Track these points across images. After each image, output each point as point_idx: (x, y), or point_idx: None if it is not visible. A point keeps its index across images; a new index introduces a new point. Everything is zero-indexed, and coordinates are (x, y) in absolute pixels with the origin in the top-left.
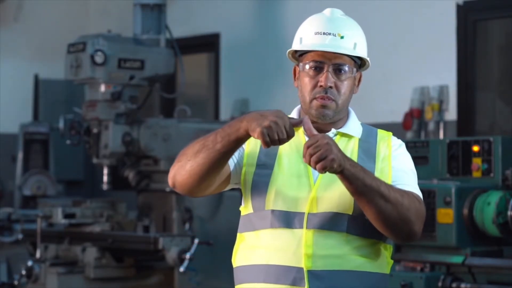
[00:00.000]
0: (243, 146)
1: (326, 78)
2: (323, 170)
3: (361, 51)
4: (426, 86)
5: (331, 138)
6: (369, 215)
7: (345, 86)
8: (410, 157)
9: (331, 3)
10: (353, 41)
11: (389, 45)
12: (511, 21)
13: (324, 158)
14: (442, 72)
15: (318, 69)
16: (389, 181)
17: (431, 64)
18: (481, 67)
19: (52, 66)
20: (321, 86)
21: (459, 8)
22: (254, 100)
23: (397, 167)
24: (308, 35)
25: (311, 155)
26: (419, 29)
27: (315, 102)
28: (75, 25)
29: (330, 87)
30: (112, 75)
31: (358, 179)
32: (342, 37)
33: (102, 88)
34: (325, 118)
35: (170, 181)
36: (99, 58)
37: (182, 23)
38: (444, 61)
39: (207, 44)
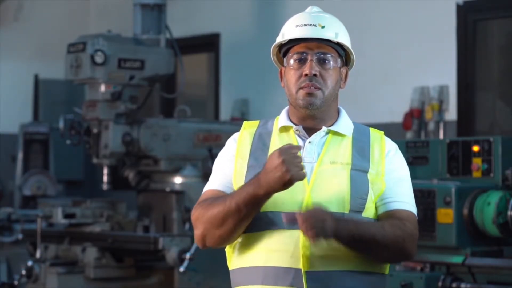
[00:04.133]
0: (233, 156)
1: (310, 66)
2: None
3: (343, 40)
4: (426, 86)
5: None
6: (366, 256)
7: (330, 75)
8: (404, 161)
9: (331, 3)
10: (334, 30)
11: (389, 45)
12: (511, 21)
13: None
14: (442, 72)
15: (302, 60)
16: (382, 186)
17: (431, 64)
18: (481, 67)
19: (52, 66)
20: (306, 74)
21: (459, 8)
22: (254, 100)
23: (393, 179)
24: (289, 29)
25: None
26: (419, 29)
27: (301, 92)
28: (75, 25)
29: (315, 75)
30: (112, 75)
31: (353, 237)
32: (323, 27)
33: (102, 88)
34: (313, 106)
35: (199, 243)
36: (99, 58)
37: (182, 23)
38: (444, 61)
39: (207, 44)
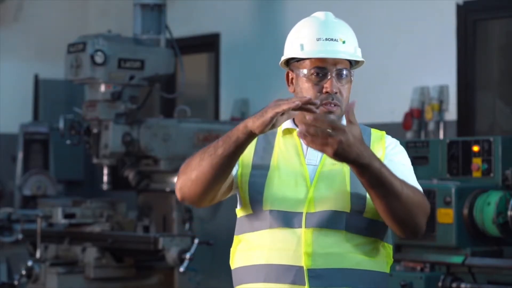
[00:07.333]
0: None
1: (332, 84)
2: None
3: (360, 54)
4: (426, 86)
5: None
6: (379, 208)
7: (346, 90)
8: (407, 155)
9: (331, 3)
10: (353, 45)
11: (389, 45)
12: (511, 21)
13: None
14: (442, 72)
15: (321, 75)
16: None
17: (431, 64)
18: (481, 67)
19: (52, 66)
20: (327, 92)
21: (459, 8)
22: (254, 100)
23: (397, 162)
24: (309, 42)
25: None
26: (419, 29)
27: (321, 108)
28: (75, 25)
29: (336, 92)
30: (112, 75)
31: (372, 173)
32: (344, 42)
33: (102, 88)
34: None
35: (178, 193)
36: (99, 58)
37: (182, 23)
38: (444, 61)
39: (207, 44)
